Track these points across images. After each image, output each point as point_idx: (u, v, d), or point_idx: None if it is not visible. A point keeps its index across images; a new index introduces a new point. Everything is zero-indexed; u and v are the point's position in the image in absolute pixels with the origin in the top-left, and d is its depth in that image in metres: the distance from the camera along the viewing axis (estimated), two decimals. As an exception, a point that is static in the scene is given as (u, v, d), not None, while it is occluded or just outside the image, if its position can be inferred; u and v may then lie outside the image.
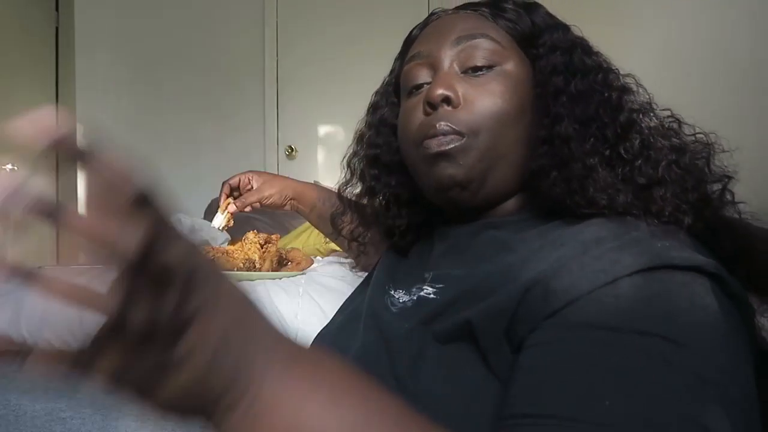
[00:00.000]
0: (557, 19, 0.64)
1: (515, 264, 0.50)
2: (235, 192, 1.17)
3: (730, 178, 0.54)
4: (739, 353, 0.43)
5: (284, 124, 3.43)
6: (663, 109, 0.58)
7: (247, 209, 1.13)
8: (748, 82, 1.33)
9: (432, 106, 0.58)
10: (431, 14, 0.67)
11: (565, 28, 0.63)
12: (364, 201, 0.74)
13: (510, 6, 0.63)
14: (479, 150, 0.57)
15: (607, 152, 0.54)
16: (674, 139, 0.55)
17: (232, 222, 1.16)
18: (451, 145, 0.57)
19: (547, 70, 0.58)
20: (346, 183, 0.76)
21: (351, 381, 0.33)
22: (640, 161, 0.53)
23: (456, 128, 0.57)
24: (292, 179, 1.19)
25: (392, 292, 0.62)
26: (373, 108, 0.73)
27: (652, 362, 0.39)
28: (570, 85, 0.57)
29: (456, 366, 0.49)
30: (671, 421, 0.36)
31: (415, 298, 0.58)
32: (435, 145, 0.58)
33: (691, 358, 0.39)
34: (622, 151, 0.54)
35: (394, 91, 0.71)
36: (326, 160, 3.46)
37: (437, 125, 0.58)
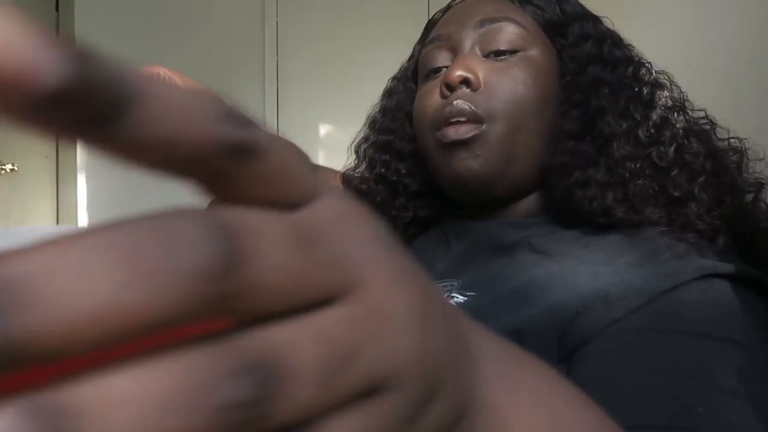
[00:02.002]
0: (587, 9, 0.62)
1: (563, 274, 0.48)
2: None
3: (763, 185, 0.52)
4: None
5: (284, 124, 3.42)
6: (697, 110, 0.55)
7: None
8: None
9: (450, 87, 0.55)
10: None
11: (595, 19, 0.60)
12: (370, 187, 0.69)
13: None
14: (498, 139, 0.54)
15: (640, 157, 0.51)
16: (708, 144, 0.52)
17: None
18: (469, 134, 0.54)
19: (581, 59, 0.56)
20: (353, 169, 0.72)
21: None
22: (675, 171, 0.50)
23: (474, 110, 0.54)
24: None
25: None
26: (389, 93, 0.70)
27: (731, 366, 0.39)
28: (606, 77, 0.54)
29: None
30: (758, 424, 0.37)
31: None
32: (452, 133, 0.54)
33: (761, 363, 0.40)
34: (655, 157, 0.50)
35: (412, 76, 0.67)
36: (326, 160, 3.43)
37: (454, 103, 0.54)
